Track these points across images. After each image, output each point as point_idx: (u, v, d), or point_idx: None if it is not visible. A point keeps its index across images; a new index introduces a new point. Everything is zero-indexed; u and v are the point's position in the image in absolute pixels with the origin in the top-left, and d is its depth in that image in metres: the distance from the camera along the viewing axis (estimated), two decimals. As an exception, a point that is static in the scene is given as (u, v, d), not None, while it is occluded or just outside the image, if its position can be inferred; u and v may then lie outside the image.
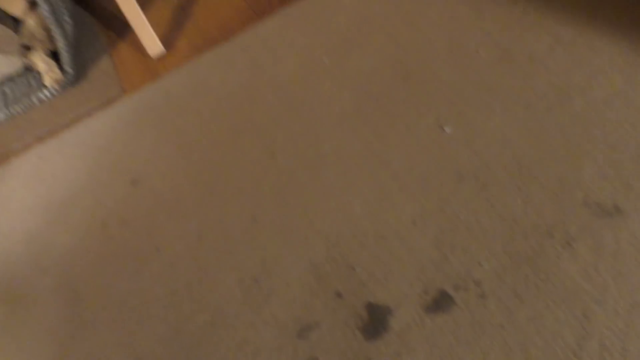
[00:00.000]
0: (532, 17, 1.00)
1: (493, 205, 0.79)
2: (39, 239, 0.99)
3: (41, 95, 1.23)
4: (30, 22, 1.22)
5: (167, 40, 1.29)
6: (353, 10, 1.15)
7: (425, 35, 1.05)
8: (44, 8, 1.14)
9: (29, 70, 1.29)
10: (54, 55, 1.28)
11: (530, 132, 0.85)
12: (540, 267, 0.72)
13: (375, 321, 0.74)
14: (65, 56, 1.21)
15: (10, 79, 1.29)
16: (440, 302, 0.73)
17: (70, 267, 0.93)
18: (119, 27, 1.39)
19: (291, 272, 0.81)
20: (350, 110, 0.98)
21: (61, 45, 1.20)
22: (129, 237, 0.94)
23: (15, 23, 1.23)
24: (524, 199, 0.78)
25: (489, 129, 0.88)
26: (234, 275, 0.83)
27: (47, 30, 1.24)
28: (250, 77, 1.11)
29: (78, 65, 1.28)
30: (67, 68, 1.22)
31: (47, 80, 1.22)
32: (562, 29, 0.96)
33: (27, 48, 1.26)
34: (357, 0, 1.16)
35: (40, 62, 1.23)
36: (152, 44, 1.23)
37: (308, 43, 1.12)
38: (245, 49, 1.17)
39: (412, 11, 1.10)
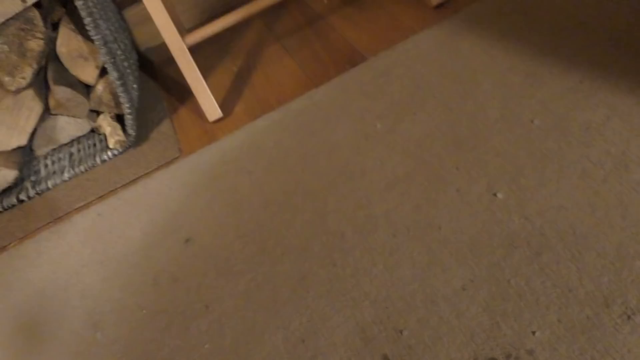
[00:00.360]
0: (588, 86, 1.00)
1: (546, 273, 0.77)
2: (93, 293, 1.01)
3: (104, 156, 1.29)
4: (99, 88, 1.29)
5: (225, 105, 1.34)
6: (406, 77, 1.18)
7: (478, 102, 1.05)
8: (113, 76, 1.21)
9: (95, 132, 1.36)
10: (119, 118, 1.34)
11: (586, 200, 0.83)
12: (598, 338, 0.69)
13: (422, 388, 0.71)
14: (129, 120, 1.27)
15: (78, 140, 1.36)
16: (491, 371, 0.70)
17: (121, 323, 0.95)
18: (180, 92, 1.46)
19: (338, 333, 0.80)
20: (401, 174, 0.98)
21: (127, 110, 1.26)
22: (179, 294, 0.95)
23: (85, 89, 1.31)
24: (579, 268, 0.76)
25: (542, 196, 0.86)
26: (281, 335, 0.83)
27: (114, 95, 1.31)
28: (304, 140, 1.13)
29: (140, 128, 1.35)
30: (130, 131, 1.28)
31: (112, 143, 1.28)
32: (618, 100, 0.95)
33: (95, 112, 1.33)
34: (410, 69, 1.19)
35: (106, 125, 1.30)
36: (211, 109, 1.28)
37: (361, 108, 1.15)
38: (299, 114, 1.20)
39: (465, 79, 1.11)
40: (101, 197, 1.21)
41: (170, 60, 1.56)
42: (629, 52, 1.02)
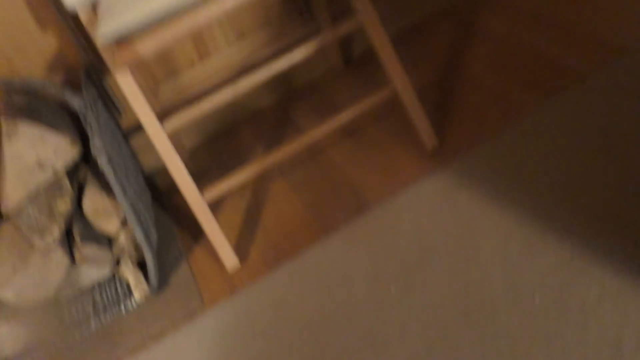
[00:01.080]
0: (579, 262, 1.13)
1: None
2: None
3: (128, 304, 1.36)
4: (122, 239, 1.37)
5: (239, 248, 1.44)
6: (411, 235, 1.29)
7: (481, 270, 1.18)
8: (139, 235, 1.29)
9: (115, 276, 1.43)
10: (139, 265, 1.42)
11: (588, 389, 0.96)
12: None
13: None
14: (151, 270, 1.35)
15: (100, 285, 1.43)
16: None
17: None
18: (192, 226, 1.54)
19: None
20: (422, 350, 1.10)
21: (149, 261, 1.34)
22: None
23: (108, 240, 1.38)
24: None
25: (550, 381, 0.99)
26: None
27: (135, 243, 1.39)
28: (323, 300, 1.24)
29: (160, 273, 1.43)
30: (153, 280, 1.36)
31: (137, 294, 1.35)
32: (607, 279, 1.09)
33: (116, 261, 1.41)
34: (414, 224, 1.31)
35: (130, 275, 1.37)
36: (230, 260, 1.37)
37: (374, 267, 1.26)
38: (315, 269, 1.30)
39: (466, 242, 1.24)
40: (132, 352, 1.29)
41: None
42: (610, 228, 1.16)
